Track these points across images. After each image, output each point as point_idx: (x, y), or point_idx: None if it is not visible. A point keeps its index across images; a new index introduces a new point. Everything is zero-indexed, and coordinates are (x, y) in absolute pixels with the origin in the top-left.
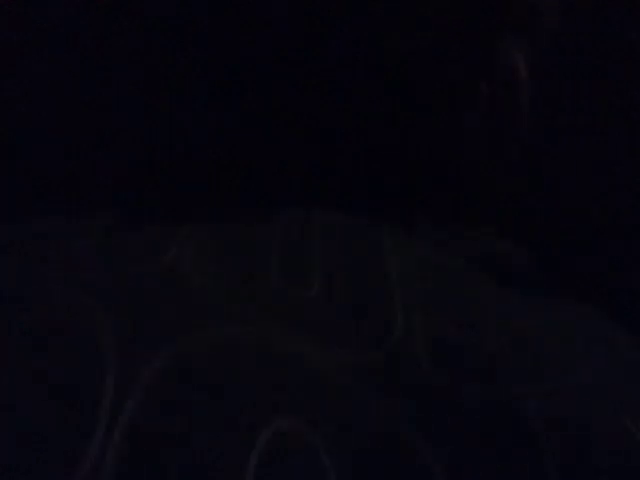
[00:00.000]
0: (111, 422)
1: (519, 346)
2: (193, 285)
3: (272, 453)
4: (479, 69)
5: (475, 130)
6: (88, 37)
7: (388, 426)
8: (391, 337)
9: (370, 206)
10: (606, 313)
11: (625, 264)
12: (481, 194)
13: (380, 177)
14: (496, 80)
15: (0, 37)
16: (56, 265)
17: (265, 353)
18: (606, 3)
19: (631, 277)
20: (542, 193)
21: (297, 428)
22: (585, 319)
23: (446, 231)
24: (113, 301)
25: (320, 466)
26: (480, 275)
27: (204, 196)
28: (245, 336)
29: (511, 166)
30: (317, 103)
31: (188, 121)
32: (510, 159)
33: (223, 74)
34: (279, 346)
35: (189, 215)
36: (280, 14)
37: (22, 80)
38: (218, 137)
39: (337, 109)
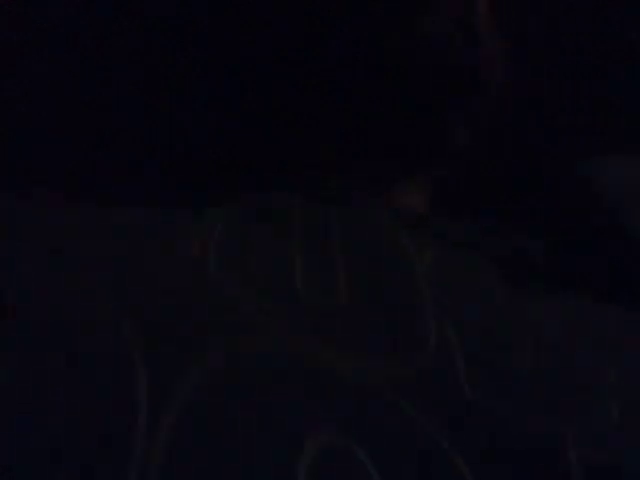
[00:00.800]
0: (149, 441)
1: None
2: (224, 291)
3: (319, 466)
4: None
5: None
6: (88, 37)
7: (428, 443)
8: (424, 353)
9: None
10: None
11: (626, 264)
12: (482, 192)
13: (380, 177)
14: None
15: (0, 37)
16: (72, 270)
17: (299, 368)
18: (606, 3)
19: (631, 277)
20: (542, 193)
21: (343, 442)
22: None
23: (462, 229)
24: (140, 310)
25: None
26: (501, 279)
27: (203, 196)
28: (279, 351)
29: (511, 165)
30: (317, 103)
31: (188, 121)
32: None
33: (223, 74)
34: (311, 362)
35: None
36: (280, 14)
37: (22, 80)
38: (218, 137)
39: (337, 109)
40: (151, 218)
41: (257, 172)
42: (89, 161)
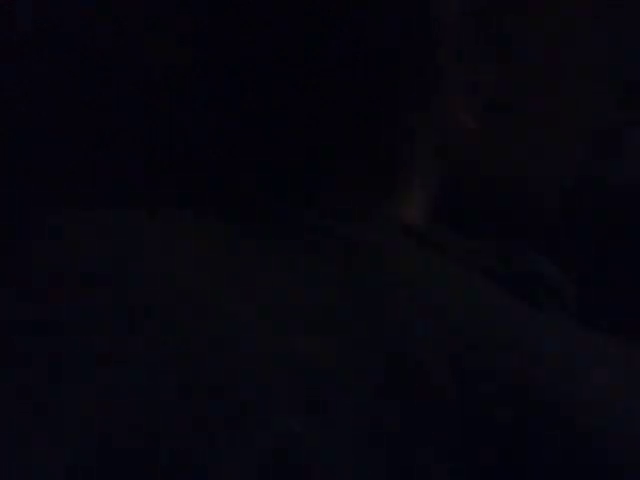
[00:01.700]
0: None
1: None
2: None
3: None
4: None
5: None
6: (88, 37)
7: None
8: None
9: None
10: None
11: (627, 265)
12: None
13: (380, 178)
14: None
15: (0, 37)
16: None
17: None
18: (606, 3)
19: (631, 276)
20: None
21: None
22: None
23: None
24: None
25: None
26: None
27: (204, 197)
28: None
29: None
30: (317, 103)
31: (188, 121)
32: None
33: (223, 74)
34: None
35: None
36: (280, 14)
37: (22, 80)
38: (218, 137)
39: (337, 109)
40: (150, 219)
41: (257, 172)
42: (89, 161)
